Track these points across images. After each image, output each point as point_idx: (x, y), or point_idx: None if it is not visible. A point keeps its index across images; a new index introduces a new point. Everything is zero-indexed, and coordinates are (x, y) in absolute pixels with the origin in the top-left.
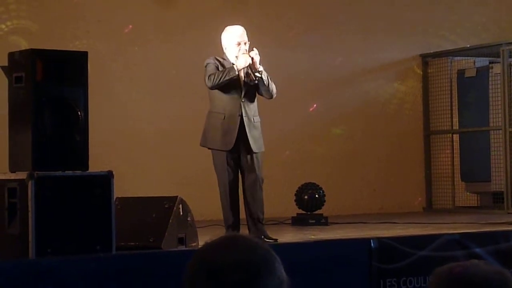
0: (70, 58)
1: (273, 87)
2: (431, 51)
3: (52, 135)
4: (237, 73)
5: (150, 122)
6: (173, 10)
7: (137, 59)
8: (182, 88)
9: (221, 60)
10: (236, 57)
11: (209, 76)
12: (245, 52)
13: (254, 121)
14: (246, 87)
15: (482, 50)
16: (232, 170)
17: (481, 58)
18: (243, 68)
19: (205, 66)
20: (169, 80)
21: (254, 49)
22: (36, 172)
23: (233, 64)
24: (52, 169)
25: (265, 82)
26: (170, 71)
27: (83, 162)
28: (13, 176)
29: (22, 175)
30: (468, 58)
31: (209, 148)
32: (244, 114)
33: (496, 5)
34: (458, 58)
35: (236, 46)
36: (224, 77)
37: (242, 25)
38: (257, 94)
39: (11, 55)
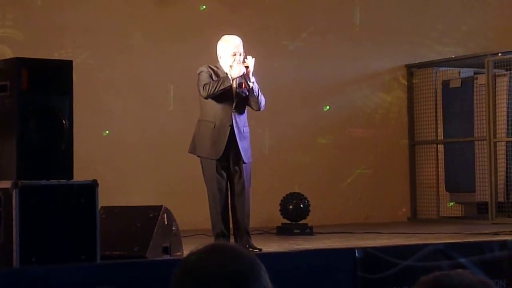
0: (56, 67)
1: (262, 99)
2: (417, 61)
3: (37, 144)
4: (231, 82)
5: (136, 131)
6: (160, 19)
7: (123, 68)
8: (168, 97)
9: (214, 68)
10: (231, 66)
11: (204, 85)
12: (240, 62)
13: (244, 132)
14: (237, 97)
15: (467, 60)
16: (221, 178)
17: (466, 68)
18: (237, 78)
19: (198, 74)
20: (155, 89)
21: (249, 57)
22: (21, 181)
23: (226, 73)
24: (37, 178)
25: (255, 93)
26: (156, 80)
27: (68, 171)
28: None
29: (6, 184)
30: (453, 68)
31: (198, 156)
32: (234, 124)
33: (482, 15)
34: (443, 68)
35: (231, 56)
36: (219, 86)
37: (230, 34)
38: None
39: None
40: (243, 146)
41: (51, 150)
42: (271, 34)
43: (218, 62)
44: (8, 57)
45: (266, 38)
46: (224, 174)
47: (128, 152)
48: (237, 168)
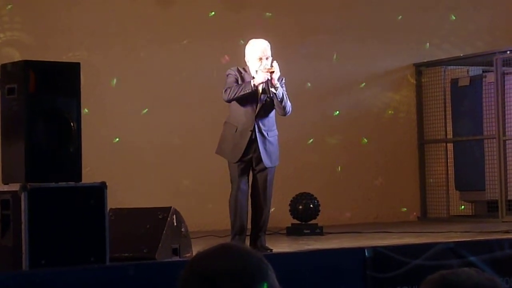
0: (63, 69)
1: (287, 104)
2: (425, 60)
3: (45, 147)
4: (253, 88)
5: (144, 133)
6: (168, 21)
7: (131, 70)
8: (176, 99)
9: (242, 72)
10: (256, 71)
11: (226, 89)
12: (265, 69)
13: (268, 136)
14: (261, 102)
15: (475, 59)
16: (243, 180)
17: (475, 67)
18: (261, 84)
19: (226, 76)
20: (163, 92)
21: (275, 62)
22: (29, 183)
23: (253, 77)
24: (45, 181)
25: (279, 99)
26: (164, 83)
27: (76, 173)
28: (6, 188)
29: (15, 186)
30: (462, 67)
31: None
32: (257, 130)
33: (490, 14)
34: (452, 67)
35: (257, 61)
36: (240, 92)
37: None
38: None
39: (3, 66)
40: (266, 150)
41: (60, 152)
42: (278, 34)
43: (247, 65)
44: (16, 60)
45: (274, 39)
46: (247, 176)
47: (137, 153)
48: (260, 170)
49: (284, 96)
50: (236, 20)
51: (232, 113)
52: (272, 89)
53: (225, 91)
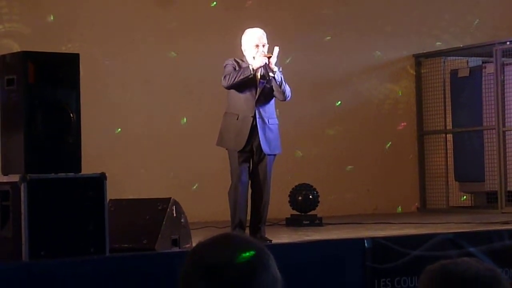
0: (62, 60)
1: (286, 89)
2: (424, 51)
3: (45, 138)
4: (252, 73)
5: (144, 125)
6: (168, 13)
7: (130, 63)
8: (176, 91)
9: (239, 61)
10: (254, 57)
11: (225, 76)
12: (263, 53)
13: (269, 123)
14: (261, 88)
15: (475, 49)
16: (245, 170)
17: (474, 57)
18: (259, 68)
19: (224, 67)
20: (163, 83)
21: (276, 47)
22: (29, 174)
23: (250, 64)
24: (45, 172)
25: (278, 82)
26: (164, 74)
27: (76, 164)
28: (5, 179)
29: (14, 177)
30: (461, 58)
31: (225, 148)
32: (257, 116)
33: (490, 4)
34: (451, 58)
35: (254, 48)
36: (239, 76)
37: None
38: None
39: (2, 58)
40: (266, 136)
41: (59, 143)
42: (277, 27)
43: (244, 55)
44: (15, 51)
45: (273, 30)
46: (248, 166)
47: (136, 145)
48: (259, 160)
49: (283, 80)
50: (234, 12)
51: (232, 102)
52: (270, 73)
53: (224, 77)
